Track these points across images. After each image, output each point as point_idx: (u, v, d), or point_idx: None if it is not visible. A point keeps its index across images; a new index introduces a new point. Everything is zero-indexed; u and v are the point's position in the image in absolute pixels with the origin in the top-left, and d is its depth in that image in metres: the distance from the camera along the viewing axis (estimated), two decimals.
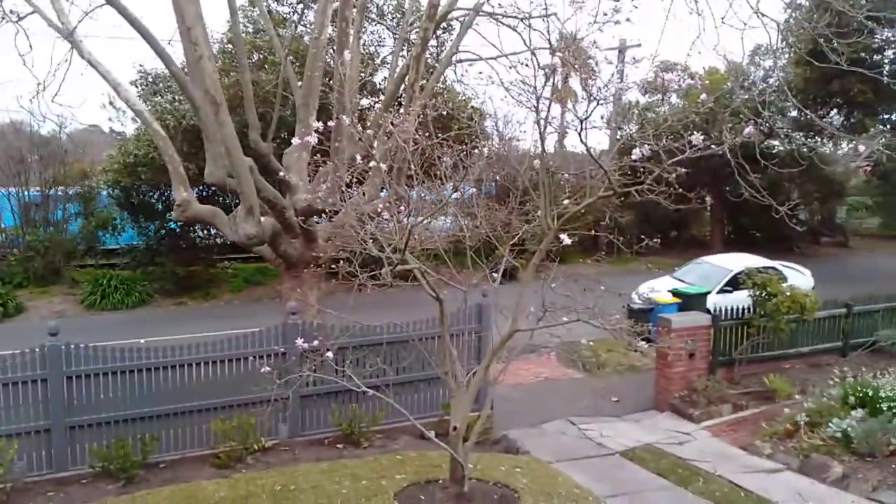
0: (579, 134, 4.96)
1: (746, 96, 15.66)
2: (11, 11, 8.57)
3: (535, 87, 5.15)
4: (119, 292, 18.31)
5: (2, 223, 20.34)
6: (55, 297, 18.54)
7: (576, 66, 5.68)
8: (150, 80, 19.04)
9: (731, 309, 10.89)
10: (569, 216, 5.42)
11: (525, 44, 7.74)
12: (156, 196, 19.60)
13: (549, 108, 5.32)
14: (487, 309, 8.95)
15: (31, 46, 9.20)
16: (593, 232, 9.45)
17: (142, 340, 11.12)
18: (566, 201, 5.46)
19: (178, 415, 7.99)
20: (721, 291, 13.98)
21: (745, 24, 8.64)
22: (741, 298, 11.45)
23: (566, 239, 5.22)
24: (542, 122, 5.24)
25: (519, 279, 5.89)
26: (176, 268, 19.45)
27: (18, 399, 7.34)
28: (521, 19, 9.08)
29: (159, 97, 18.51)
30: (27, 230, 20.14)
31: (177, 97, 17.60)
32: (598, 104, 5.01)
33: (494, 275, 6.27)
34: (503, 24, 9.94)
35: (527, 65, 5.32)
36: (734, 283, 13.71)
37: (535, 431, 9.27)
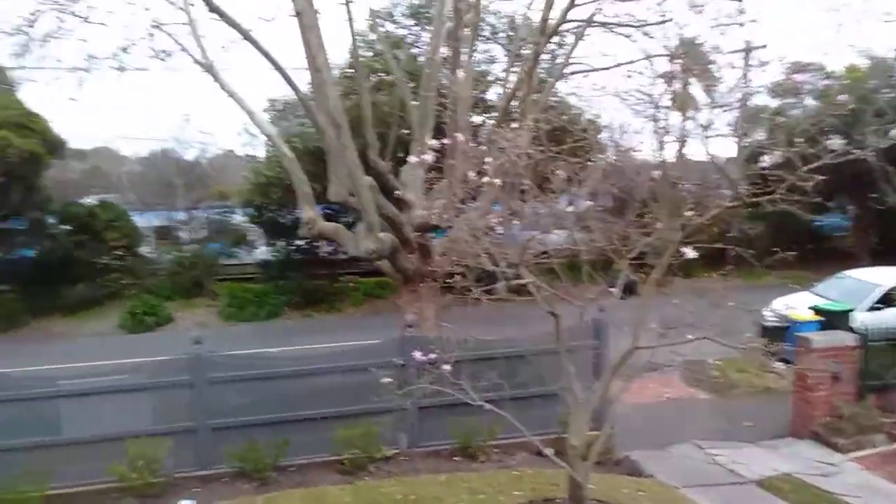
0: (702, 142, 4.74)
1: (893, 94, 14.19)
2: (163, 51, 9.56)
3: (651, 96, 5.00)
4: (253, 305, 19.71)
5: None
6: (198, 309, 20.26)
7: (696, 72, 5.45)
8: (279, 107, 20.45)
9: (883, 328, 9.85)
10: (692, 228, 5.17)
11: (641, 52, 7.53)
12: (285, 214, 20.94)
13: (668, 116, 5.14)
14: (605, 325, 8.71)
15: (178, 81, 10.19)
16: (720, 245, 8.95)
17: (274, 350, 11.89)
18: (689, 212, 5.22)
19: (306, 421, 8.42)
20: (871, 309, 12.68)
21: (891, 16, 7.85)
22: (894, 316, 10.33)
23: (690, 252, 4.98)
24: (660, 130, 5.07)
25: (639, 294, 5.69)
26: (304, 282, 20.62)
27: (168, 402, 8.10)
28: (637, 27, 8.85)
29: (286, 122, 19.81)
30: (176, 248, 22.23)
31: (303, 122, 18.76)
32: (722, 110, 4.76)
33: (612, 290, 6.09)
34: (617, 33, 9.73)
35: (642, 73, 5.17)
36: (886, 300, 12.41)
37: (660, 454, 8.85)
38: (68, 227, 20.38)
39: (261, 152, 22.26)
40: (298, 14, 8.35)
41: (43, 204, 19.78)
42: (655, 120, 5.04)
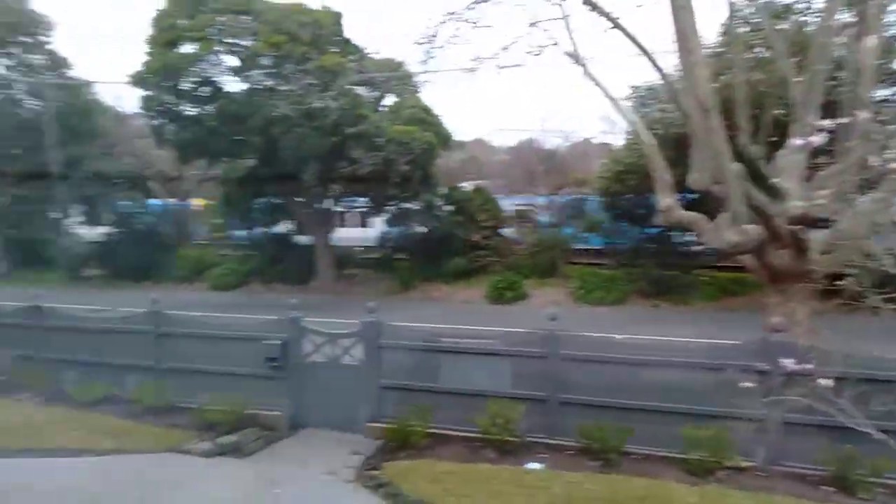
0: None
1: None
2: (538, 46, 10.28)
3: None
4: (601, 289, 20.13)
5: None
6: (550, 289, 21.56)
7: None
8: (641, 93, 20.20)
9: None
10: None
11: None
12: (639, 202, 20.72)
13: None
14: None
15: (549, 75, 10.87)
16: None
17: (617, 336, 11.97)
18: None
19: (652, 412, 8.32)
20: None
21: None
22: None
23: None
24: None
25: None
26: (653, 271, 20.21)
27: (524, 370, 8.89)
28: None
29: (646, 108, 19.46)
30: (533, 230, 24.00)
31: (664, 107, 18.20)
32: None
33: None
34: None
35: None
36: None
37: None
38: (450, 209, 23.69)
39: (619, 140, 22.44)
40: None
41: (433, 188, 23.37)
42: None
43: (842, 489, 7.23)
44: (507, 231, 24.70)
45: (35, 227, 27.51)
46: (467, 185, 26.09)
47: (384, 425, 9.12)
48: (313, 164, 20.35)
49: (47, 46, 27.65)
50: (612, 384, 8.50)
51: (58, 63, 27.81)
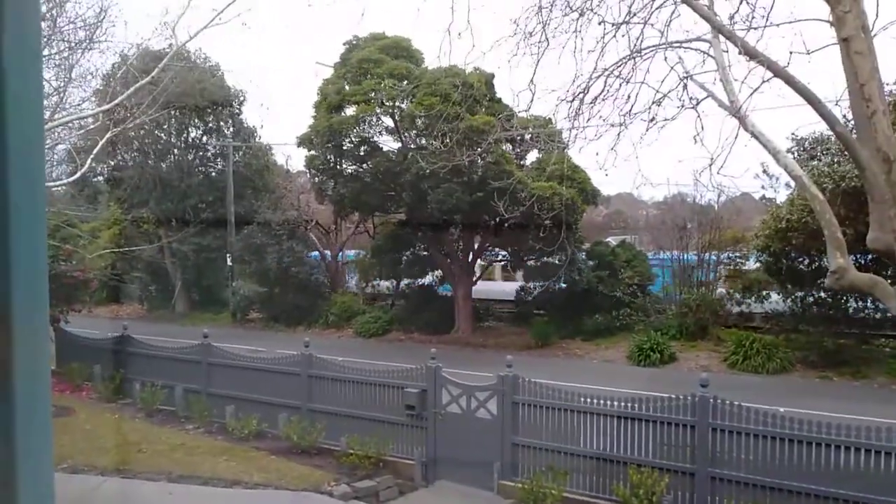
0: None
1: None
2: (691, 98, 9.93)
3: None
4: (760, 356, 18.39)
5: (664, 282, 23.56)
6: (701, 352, 20.09)
7: None
8: (806, 145, 18.71)
9: None
10: None
11: None
12: (805, 262, 18.92)
13: None
14: None
15: (702, 127, 10.43)
16: None
17: (781, 409, 10.84)
18: None
19: (820, 498, 7.34)
20: None
21: None
22: None
23: None
24: None
25: None
26: (823, 339, 18.17)
27: (670, 438, 8.26)
28: None
29: (816, 161, 17.95)
30: (683, 290, 22.68)
31: (834, 160, 16.69)
32: None
33: None
34: None
35: None
36: None
37: None
38: (592, 263, 23.13)
39: (781, 195, 20.80)
40: (844, 41, 7.50)
41: (575, 243, 23.00)
42: None
43: None
44: (656, 289, 23.57)
45: (210, 271, 30.85)
46: (612, 241, 25.38)
47: (518, 485, 8.86)
48: (459, 217, 20.97)
49: (238, 116, 31.64)
50: (774, 463, 7.63)
51: (244, 129, 31.61)
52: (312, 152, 23.11)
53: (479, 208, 20.84)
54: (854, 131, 8.63)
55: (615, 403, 8.93)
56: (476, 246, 23.69)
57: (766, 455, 7.68)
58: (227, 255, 30.01)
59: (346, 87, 22.27)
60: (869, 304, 17.66)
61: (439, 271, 25.41)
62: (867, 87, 7.41)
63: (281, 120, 70.58)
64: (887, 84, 16.96)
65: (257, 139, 32.08)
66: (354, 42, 23.39)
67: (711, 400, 7.96)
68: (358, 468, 9.73)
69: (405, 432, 10.12)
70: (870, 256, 14.71)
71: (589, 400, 8.98)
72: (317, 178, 23.90)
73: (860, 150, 8.29)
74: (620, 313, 22.00)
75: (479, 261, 25.39)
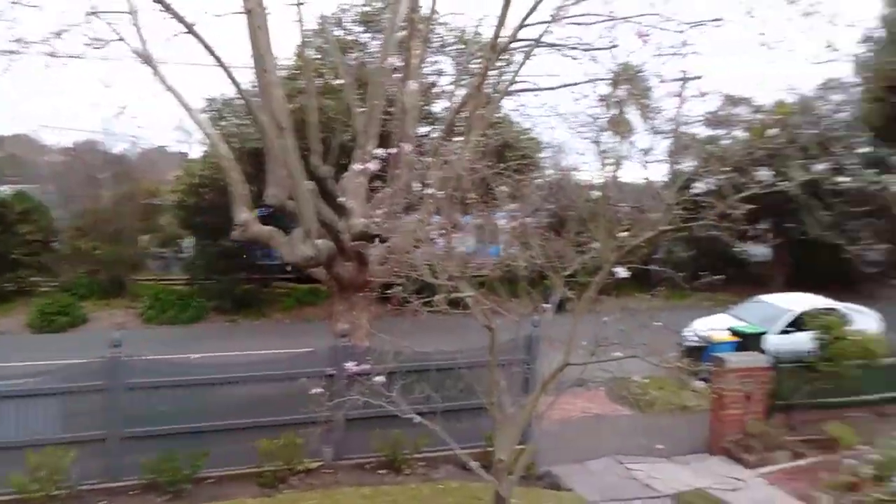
0: (641, 165, 4.88)
1: (815, 131, 15.11)
2: (99, 39, 9.06)
3: (594, 118, 5.12)
4: (175, 307, 18.88)
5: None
6: (117, 310, 19.22)
7: (636, 97, 5.62)
8: (217, 106, 19.80)
9: (792, 351, 10.42)
10: (627, 249, 5.31)
11: (587, 75, 7.74)
12: (217, 216, 20.20)
13: (607, 138, 5.27)
14: (537, 340, 8.81)
15: (114, 71, 9.69)
16: (648, 266, 9.24)
17: (193, 356, 11.40)
18: (624, 234, 5.35)
19: (227, 431, 8.11)
20: (782, 332, 13.38)
21: (818, 57, 8.43)
22: (803, 340, 10.96)
23: (623, 272, 5.11)
24: (601, 153, 5.19)
25: (571, 311, 5.77)
26: (234, 287, 19.92)
27: (79, 408, 7.61)
28: (585, 50, 9.08)
29: (224, 122, 19.20)
30: (94, 244, 21.05)
31: (241, 122, 18.24)
32: (660, 137, 4.93)
33: (547, 305, 6.16)
34: (565, 55, 9.95)
35: (587, 96, 5.30)
36: (796, 324, 13.13)
37: (581, 468, 9.01)
38: None
39: (195, 151, 21.54)
40: (248, 12, 8.14)
41: None
42: (597, 142, 5.15)
43: (393, 470, 8.30)
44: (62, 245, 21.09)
45: None
46: (5, 189, 21.40)
47: None
48: None
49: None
50: (189, 409, 7.96)
51: None
52: None
53: None
54: (257, 98, 9.59)
55: (9, 383, 7.62)
56: None
57: (179, 402, 7.94)
58: None
59: None
60: (273, 253, 20.25)
61: None
62: (265, 59, 8.30)
63: None
64: (282, 59, 19.42)
65: None
66: None
67: (123, 359, 7.68)
68: None
69: None
70: (270, 210, 16.87)
71: None
72: None
73: (261, 115, 9.29)
74: (17, 275, 18.93)
75: None
